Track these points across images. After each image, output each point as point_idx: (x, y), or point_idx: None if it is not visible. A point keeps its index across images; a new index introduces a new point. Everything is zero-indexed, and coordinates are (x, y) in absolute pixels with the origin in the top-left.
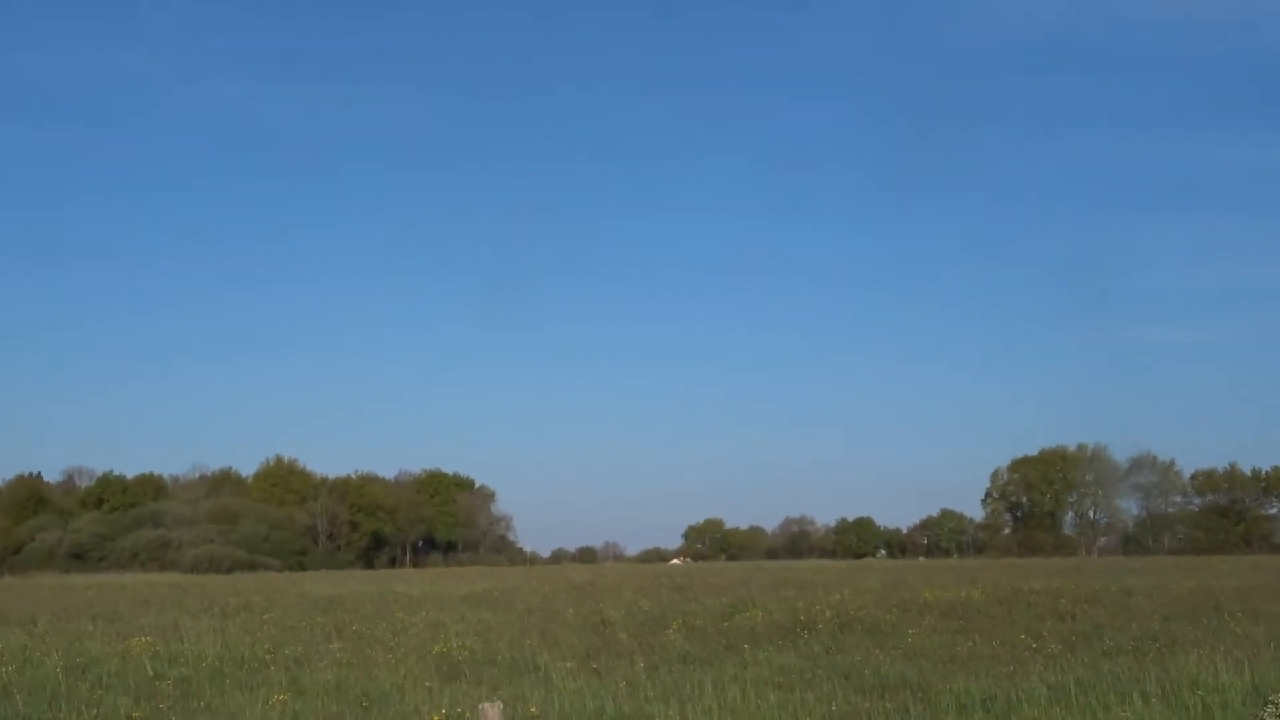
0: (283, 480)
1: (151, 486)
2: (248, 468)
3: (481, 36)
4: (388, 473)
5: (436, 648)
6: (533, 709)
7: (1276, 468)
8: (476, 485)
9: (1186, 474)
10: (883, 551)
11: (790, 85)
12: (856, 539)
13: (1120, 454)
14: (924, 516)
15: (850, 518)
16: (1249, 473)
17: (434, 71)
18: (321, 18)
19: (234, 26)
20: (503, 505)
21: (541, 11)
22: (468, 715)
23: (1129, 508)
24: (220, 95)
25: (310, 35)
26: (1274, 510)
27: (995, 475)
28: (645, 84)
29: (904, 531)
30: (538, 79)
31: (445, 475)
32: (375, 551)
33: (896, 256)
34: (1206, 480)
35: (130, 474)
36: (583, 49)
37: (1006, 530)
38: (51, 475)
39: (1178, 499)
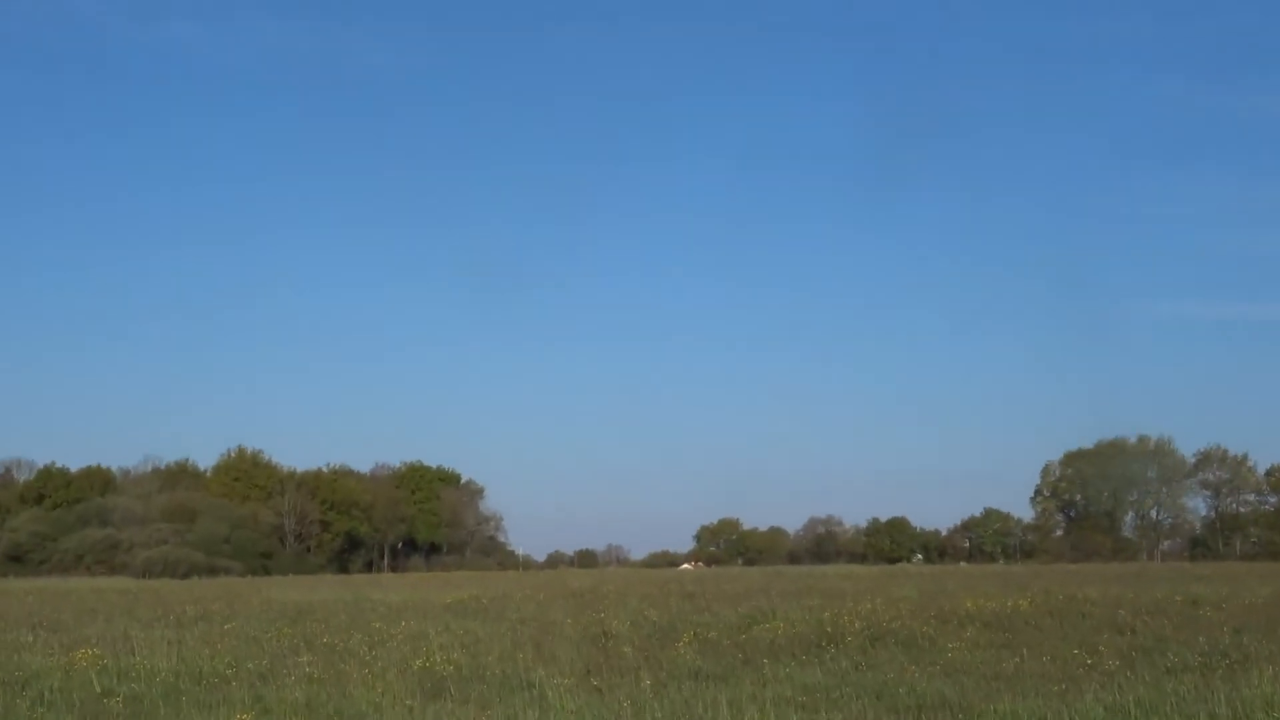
0: (246, 474)
1: (98, 480)
2: (206, 459)
3: None
4: (363, 466)
5: (418, 662)
6: None
7: None
8: (463, 480)
9: (1261, 469)
10: (919, 556)
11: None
12: (890, 541)
13: (1187, 447)
14: (965, 517)
15: (883, 518)
16: None
17: (409, 10)
18: None
19: None
20: (492, 502)
21: None
22: None
23: (1196, 507)
24: (174, 37)
25: None
26: None
27: (1046, 470)
28: (639, 47)
29: (943, 533)
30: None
31: (428, 469)
32: (349, 554)
33: (916, 238)
34: None
35: (74, 466)
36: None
37: (1058, 532)
38: None
39: (1251, 498)
